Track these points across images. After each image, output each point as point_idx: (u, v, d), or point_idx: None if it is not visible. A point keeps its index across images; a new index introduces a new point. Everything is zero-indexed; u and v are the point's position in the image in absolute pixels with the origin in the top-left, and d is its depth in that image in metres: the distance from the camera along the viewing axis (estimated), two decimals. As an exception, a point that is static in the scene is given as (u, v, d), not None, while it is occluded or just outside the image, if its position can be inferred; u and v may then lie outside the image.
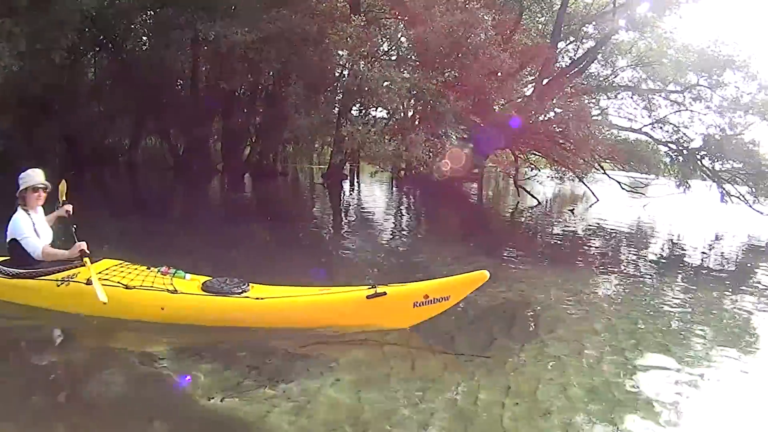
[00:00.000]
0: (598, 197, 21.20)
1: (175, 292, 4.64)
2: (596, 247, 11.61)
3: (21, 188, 5.11)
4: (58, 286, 4.80)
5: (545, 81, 16.25)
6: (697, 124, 18.55)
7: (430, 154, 11.47)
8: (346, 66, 11.42)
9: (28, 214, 5.04)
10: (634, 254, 11.21)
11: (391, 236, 10.39)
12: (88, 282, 4.58)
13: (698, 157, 18.53)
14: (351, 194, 15.99)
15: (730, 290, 7.63)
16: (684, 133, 18.73)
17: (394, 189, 16.68)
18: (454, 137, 12.84)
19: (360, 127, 11.18)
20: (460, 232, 11.48)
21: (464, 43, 12.05)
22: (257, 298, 4.70)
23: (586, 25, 18.03)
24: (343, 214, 12.42)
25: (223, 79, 16.00)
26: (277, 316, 4.77)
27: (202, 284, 4.83)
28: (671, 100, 18.67)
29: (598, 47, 17.03)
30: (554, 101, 14.86)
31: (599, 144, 15.54)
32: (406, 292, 4.77)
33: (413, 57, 13.76)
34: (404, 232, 11.02)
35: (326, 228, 10.90)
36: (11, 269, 4.99)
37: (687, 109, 18.51)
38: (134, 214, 8.48)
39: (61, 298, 4.77)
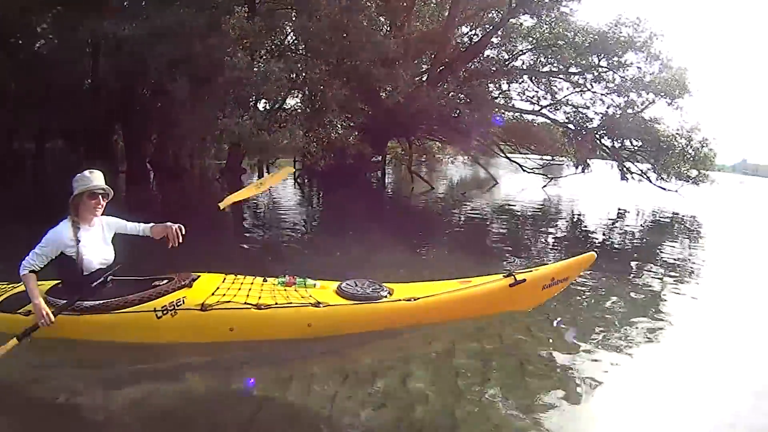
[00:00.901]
0: (498, 180, 21.83)
1: (318, 305, 4.36)
2: (479, 230, 11.67)
3: (75, 193, 4.19)
4: (159, 317, 4.15)
5: (441, 67, 16.45)
6: (598, 105, 18.99)
7: (314, 144, 11.63)
8: (231, 59, 11.31)
9: (77, 228, 4.16)
10: (531, 235, 11.57)
11: (281, 230, 10.26)
12: (204, 308, 4.17)
13: (597, 136, 19.06)
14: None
15: (632, 267, 8.11)
16: (584, 114, 19.20)
17: (297, 181, 16.71)
18: (338, 126, 12.90)
19: (240, 120, 11.15)
20: (352, 221, 11.64)
21: (348, 30, 12.17)
22: (408, 299, 4.63)
23: (484, 10, 18.04)
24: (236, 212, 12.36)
25: (118, 78, 15.84)
26: (430, 315, 4.73)
27: (336, 290, 4.63)
28: (572, 82, 19.03)
29: (495, 31, 17.19)
30: (446, 86, 15.12)
31: (493, 127, 15.86)
32: (540, 277, 5.01)
33: (300, 47, 13.87)
34: (295, 226, 10.91)
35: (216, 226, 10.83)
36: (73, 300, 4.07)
37: (588, 90, 18.89)
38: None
39: (163, 331, 4.17)
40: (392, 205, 15.39)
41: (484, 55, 18.51)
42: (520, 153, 23.40)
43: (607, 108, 18.75)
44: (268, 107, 15.23)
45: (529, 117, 20.37)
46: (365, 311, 4.52)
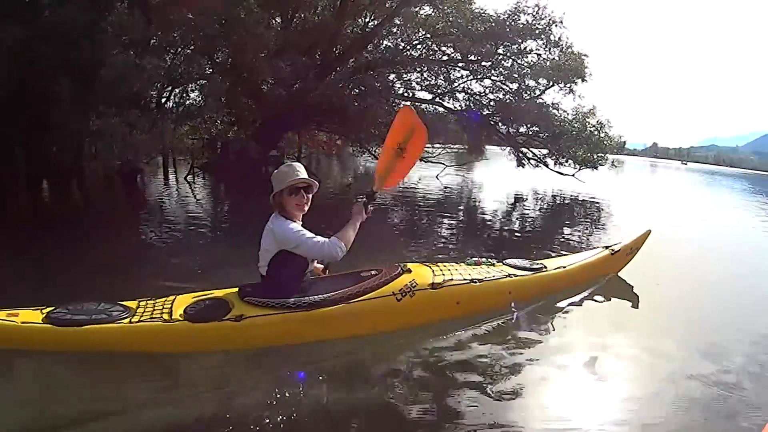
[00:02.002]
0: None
1: (510, 276, 5.55)
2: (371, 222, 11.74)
3: (275, 191, 4.35)
4: (399, 300, 4.71)
5: (332, 58, 16.29)
6: (495, 92, 19.08)
7: (192, 142, 11.27)
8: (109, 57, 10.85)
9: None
10: (428, 224, 11.72)
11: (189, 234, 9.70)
12: (434, 287, 4.90)
13: (493, 123, 19.26)
14: (146, 189, 15.46)
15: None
16: (480, 101, 19.29)
17: (186, 179, 16.25)
18: (218, 123, 12.60)
19: (114, 120, 10.65)
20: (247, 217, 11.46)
21: (230, 23, 11.91)
22: (557, 268, 6.10)
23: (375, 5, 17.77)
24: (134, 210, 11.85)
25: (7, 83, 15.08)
26: (567, 282, 6.18)
27: (504, 264, 5.88)
28: (470, 70, 18.98)
29: (388, 21, 17.00)
30: (335, 77, 14.98)
31: (379, 117, 15.81)
32: (628, 247, 7.04)
33: (180, 41, 13.47)
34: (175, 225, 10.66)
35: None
36: (285, 299, 4.32)
37: (486, 78, 18.93)
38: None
39: (405, 312, 4.74)
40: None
41: (382, 45, 18.42)
42: (433, 144, 23.57)
43: (504, 95, 18.86)
44: (153, 105, 14.74)
45: (428, 106, 20.25)
46: (544, 279, 5.90)
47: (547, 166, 20.23)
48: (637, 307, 6.25)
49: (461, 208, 15.34)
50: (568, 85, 18.24)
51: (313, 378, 3.98)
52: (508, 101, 18.56)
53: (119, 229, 9.12)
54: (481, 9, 17.54)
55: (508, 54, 18.18)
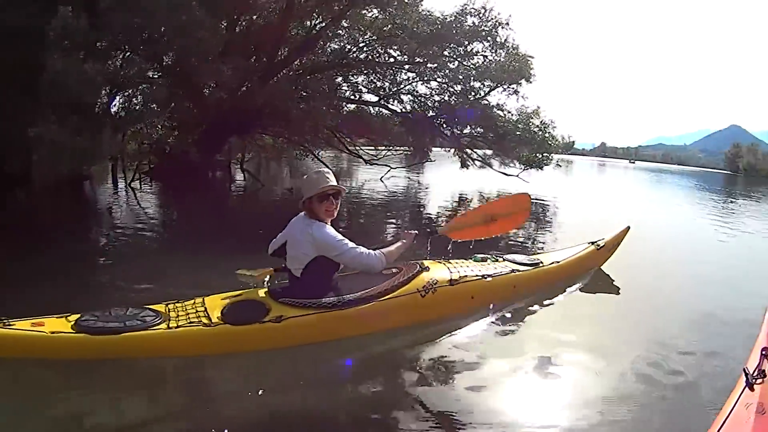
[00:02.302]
0: (336, 174, 22.27)
1: (514, 271, 6.20)
2: None
3: (306, 197, 4.70)
4: (423, 296, 5.24)
5: (276, 61, 16.39)
6: (440, 94, 19.41)
7: (138, 147, 11.26)
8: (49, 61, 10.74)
9: None
10: (374, 226, 12.05)
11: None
12: (452, 283, 5.48)
13: (437, 124, 19.52)
14: (94, 195, 15.27)
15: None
16: (425, 103, 19.62)
17: (130, 185, 16.10)
18: (159, 127, 12.60)
19: (54, 127, 10.55)
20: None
21: (170, 24, 11.90)
22: (552, 263, 6.80)
23: (327, 2, 17.34)
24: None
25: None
26: (561, 276, 6.93)
27: (506, 260, 6.50)
28: (415, 72, 19.28)
29: (333, 24, 17.14)
30: (279, 81, 15.10)
31: (326, 120, 15.95)
32: (610, 242, 7.90)
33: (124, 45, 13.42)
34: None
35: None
36: (320, 299, 4.66)
37: (432, 80, 19.26)
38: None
39: (428, 307, 5.24)
40: (235, 206, 15.17)
41: (329, 48, 18.56)
42: (377, 147, 23.87)
43: (449, 97, 19.10)
44: (98, 110, 14.60)
45: (373, 108, 20.58)
46: (535, 274, 6.48)
47: (491, 166, 20.67)
48: (618, 298, 7.04)
49: (406, 210, 15.57)
50: (513, 86, 18.57)
51: (353, 370, 4.44)
52: (453, 103, 18.81)
53: (64, 236, 9.06)
54: (428, 11, 17.76)
55: (454, 56, 18.44)
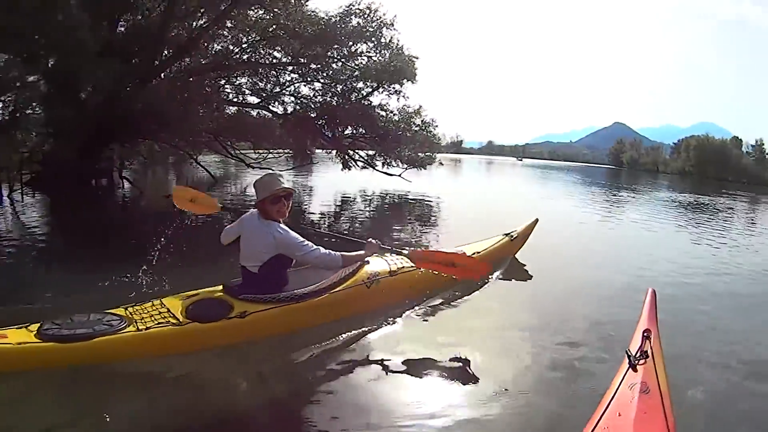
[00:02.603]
0: (216, 178, 22.28)
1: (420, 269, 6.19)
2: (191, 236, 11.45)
3: (259, 198, 5.11)
4: (368, 287, 5.86)
5: (157, 62, 16.24)
6: (323, 95, 19.77)
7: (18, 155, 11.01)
8: None
9: None
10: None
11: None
12: (392, 274, 6.19)
13: (318, 125, 19.77)
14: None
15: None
16: (308, 104, 19.84)
17: (24, 196, 15.46)
18: (33, 133, 12.34)
19: None
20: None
21: (47, 24, 11.73)
22: (474, 253, 7.42)
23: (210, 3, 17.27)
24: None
25: None
26: (487, 261, 7.33)
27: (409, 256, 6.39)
28: (298, 73, 19.61)
29: (214, 25, 17.02)
30: (159, 83, 15.00)
31: (201, 123, 15.83)
32: (522, 233, 9.10)
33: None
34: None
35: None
36: (277, 294, 5.11)
37: (316, 81, 19.67)
38: None
39: (373, 297, 5.84)
40: (121, 216, 14.84)
41: (212, 49, 18.42)
42: (257, 150, 23.84)
43: (332, 97, 19.52)
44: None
45: (255, 111, 20.86)
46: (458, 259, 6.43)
47: (374, 167, 21.01)
48: (527, 285, 8.10)
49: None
50: (394, 86, 19.13)
51: (312, 359, 4.90)
52: (335, 104, 19.25)
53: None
54: (313, 12, 17.99)
55: (338, 56, 18.85)
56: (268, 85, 19.90)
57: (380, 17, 18.52)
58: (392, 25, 18.75)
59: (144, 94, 14.62)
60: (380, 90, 19.42)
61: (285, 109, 19.94)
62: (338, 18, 18.28)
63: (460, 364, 4.99)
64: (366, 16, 18.44)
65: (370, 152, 21.20)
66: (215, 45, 18.48)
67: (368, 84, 19.34)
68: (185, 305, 4.82)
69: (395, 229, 12.60)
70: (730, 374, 5.11)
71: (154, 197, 17.26)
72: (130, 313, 4.67)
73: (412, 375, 4.68)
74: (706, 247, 13.53)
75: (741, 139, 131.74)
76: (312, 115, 19.40)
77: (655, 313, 4.18)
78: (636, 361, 3.51)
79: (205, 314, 4.73)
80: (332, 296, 5.46)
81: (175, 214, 6.89)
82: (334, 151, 21.25)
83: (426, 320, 6.03)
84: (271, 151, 23.70)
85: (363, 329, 5.50)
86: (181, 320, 4.61)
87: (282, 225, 5.10)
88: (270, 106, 20.08)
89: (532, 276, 8.41)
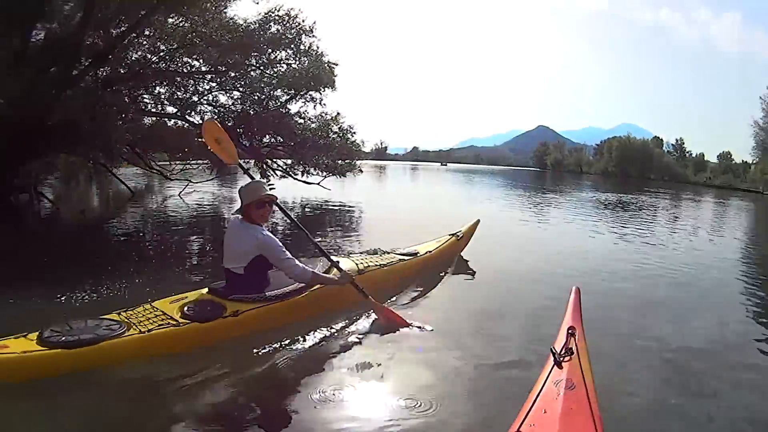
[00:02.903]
0: (134, 191, 22.16)
1: (401, 260, 8.23)
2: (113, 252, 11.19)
3: (244, 203, 5.64)
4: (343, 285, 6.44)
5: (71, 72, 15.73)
6: (242, 103, 19.77)
7: None
8: None
9: None
10: (177, 246, 12.15)
11: None
12: (361, 272, 7.07)
13: (236, 134, 18.96)
14: None
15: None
16: (225, 113, 19.66)
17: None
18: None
19: None
20: None
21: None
22: (426, 252, 8.84)
23: (128, 11, 16.47)
24: None
25: None
26: (434, 262, 9.00)
27: (394, 252, 8.47)
28: (217, 82, 19.53)
29: (135, 31, 16.68)
30: (73, 93, 14.92)
31: (115, 135, 15.50)
32: (466, 233, 10.31)
33: None
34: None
35: None
36: (262, 293, 5.76)
37: (234, 89, 19.62)
38: None
39: (346, 294, 6.40)
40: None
41: (129, 58, 18.04)
42: (173, 161, 23.40)
43: (250, 105, 19.58)
44: None
45: (173, 121, 20.44)
46: (417, 262, 8.59)
47: (293, 176, 21.12)
48: (474, 280, 9.04)
49: (209, 225, 15.45)
50: (312, 93, 19.48)
51: (304, 352, 5.53)
52: (253, 112, 19.30)
53: None
54: (231, 19, 17.95)
55: (257, 64, 18.92)
56: (186, 95, 19.63)
57: (299, 24, 18.68)
58: (311, 31, 18.94)
59: (59, 105, 14.34)
60: (298, 97, 19.63)
61: (203, 119, 19.27)
62: (257, 25, 18.30)
63: (392, 362, 5.29)
64: (285, 23, 18.53)
65: (289, 161, 21.40)
66: (133, 54, 18.18)
67: (286, 92, 19.48)
68: (179, 307, 5.32)
69: (316, 237, 12.85)
70: (653, 368, 5.40)
71: (71, 213, 17.10)
72: (126, 318, 5.04)
73: (351, 374, 5.01)
74: (629, 244, 14.32)
75: (662, 139, 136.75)
76: (229, 124, 19.02)
77: (580, 311, 4.41)
78: (561, 358, 3.68)
79: (202, 315, 5.26)
80: (312, 294, 6.16)
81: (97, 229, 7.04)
82: (252, 161, 20.75)
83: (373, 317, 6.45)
84: (189, 162, 23.25)
85: (339, 324, 6.21)
86: (179, 321, 5.10)
87: (264, 229, 5.66)
88: (188, 116, 19.76)
89: (468, 279, 9.23)
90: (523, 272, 9.94)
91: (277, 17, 18.52)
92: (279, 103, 19.65)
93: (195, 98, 19.62)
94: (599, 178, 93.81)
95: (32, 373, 4.28)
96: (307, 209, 19.42)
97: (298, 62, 19.22)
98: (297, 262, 5.76)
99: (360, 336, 5.95)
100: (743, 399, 4.79)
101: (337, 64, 19.88)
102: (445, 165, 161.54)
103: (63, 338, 4.49)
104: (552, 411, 3.23)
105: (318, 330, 5.91)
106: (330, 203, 20.87)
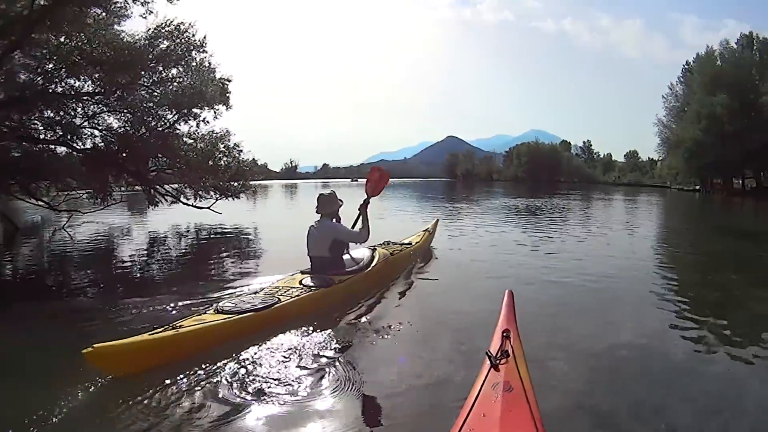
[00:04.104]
0: (19, 225, 20.35)
1: (409, 246, 11.31)
2: None
3: (330, 210, 8.48)
4: (411, 254, 10.88)
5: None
6: (126, 125, 18.53)
7: None
8: None
9: None
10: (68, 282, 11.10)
11: None
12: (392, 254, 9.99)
13: (121, 159, 18.41)
14: None
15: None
16: (110, 137, 18.43)
17: None
18: None
19: None
20: None
21: None
22: (416, 242, 11.86)
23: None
24: None
25: None
26: (424, 247, 12.29)
27: (402, 244, 11.28)
28: (102, 104, 18.14)
29: (12, 52, 15.42)
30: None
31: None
32: (432, 227, 13.80)
33: None
34: None
35: None
36: (343, 270, 8.26)
37: (120, 111, 18.26)
38: None
39: (389, 269, 9.63)
40: None
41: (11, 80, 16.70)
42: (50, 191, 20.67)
43: (136, 128, 18.44)
44: None
45: (56, 147, 18.48)
46: (416, 248, 11.59)
47: (181, 201, 20.18)
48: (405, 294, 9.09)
49: (101, 259, 14.13)
50: (200, 111, 18.85)
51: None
52: (138, 135, 18.18)
53: None
54: (117, 35, 17.03)
55: (146, 83, 17.96)
56: (72, 118, 18.06)
57: (188, 39, 18.05)
58: (202, 46, 18.40)
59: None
60: (189, 117, 18.86)
61: (84, 144, 18.36)
62: (146, 42, 17.47)
63: (336, 364, 5.50)
64: (175, 38, 17.79)
65: (177, 185, 20.42)
66: (13, 76, 16.86)
67: (175, 112, 18.53)
68: (299, 282, 7.49)
69: (210, 265, 12.63)
70: (588, 366, 5.60)
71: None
72: (270, 291, 7.20)
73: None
74: (546, 247, 14.83)
75: (569, 142, 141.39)
76: (114, 148, 18.19)
77: (514, 313, 4.39)
78: (497, 361, 3.66)
79: (322, 284, 7.48)
80: (375, 269, 8.84)
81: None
82: (140, 187, 20.15)
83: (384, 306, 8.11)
84: (71, 192, 21.32)
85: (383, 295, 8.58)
86: (309, 289, 7.29)
87: (335, 221, 8.44)
88: (70, 142, 18.14)
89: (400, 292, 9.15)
90: (451, 281, 10.16)
91: (166, 32, 17.73)
92: (168, 124, 18.72)
93: (78, 121, 18.14)
94: (510, 185, 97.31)
95: (220, 337, 5.74)
96: (201, 236, 18.65)
97: (189, 79, 18.43)
98: (355, 230, 8.63)
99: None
100: (667, 392, 4.98)
101: (230, 80, 19.69)
102: (356, 180, 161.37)
103: (242, 306, 6.29)
104: (491, 414, 3.22)
105: (384, 294, 8.64)
106: (226, 227, 20.06)
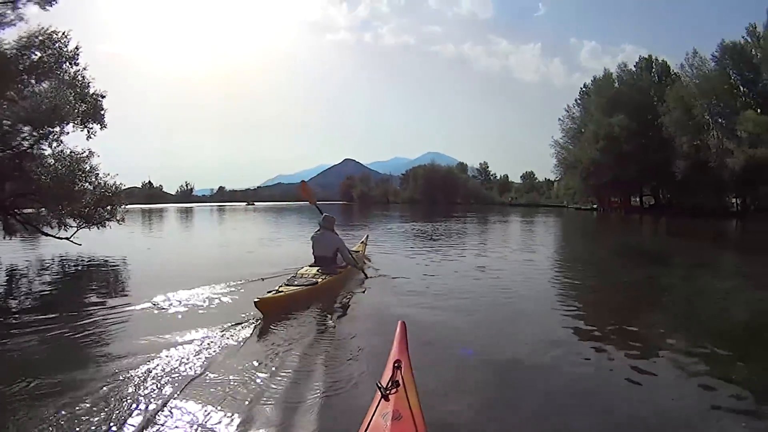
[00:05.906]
0: None
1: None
2: None
3: (333, 226, 11.93)
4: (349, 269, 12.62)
5: None
6: None
7: None
8: None
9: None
10: None
11: None
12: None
13: None
14: None
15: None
16: None
17: None
18: None
19: None
20: None
21: None
22: (358, 251, 15.21)
23: None
24: None
25: None
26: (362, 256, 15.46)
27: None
28: None
29: None
30: None
31: None
32: (365, 241, 17.13)
33: None
34: None
35: None
36: (332, 267, 11.46)
37: None
38: None
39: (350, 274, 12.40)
40: None
41: None
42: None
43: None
44: None
45: None
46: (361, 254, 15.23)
47: (40, 230, 17.92)
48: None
49: None
50: (60, 130, 16.94)
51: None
52: None
53: None
54: None
55: (9, 97, 16.22)
56: None
57: (59, 49, 16.94)
58: (74, 58, 17.29)
59: None
60: (49, 136, 16.87)
61: None
62: (16, 52, 16.32)
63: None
64: (46, 48, 16.67)
65: (37, 211, 17.99)
66: None
67: (39, 130, 16.49)
68: (317, 271, 10.94)
69: (76, 299, 11.20)
70: (478, 392, 5.70)
71: None
72: (303, 274, 10.74)
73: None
74: (444, 271, 14.70)
75: (466, 164, 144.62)
76: None
77: (406, 344, 4.58)
78: (387, 392, 3.69)
79: (333, 273, 10.97)
80: (349, 269, 12.02)
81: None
82: None
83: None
84: None
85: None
86: (326, 275, 10.75)
87: (337, 235, 11.74)
88: None
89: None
90: (344, 310, 9.79)
91: (38, 41, 16.64)
92: (28, 144, 16.72)
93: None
94: (406, 207, 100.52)
95: (296, 304, 9.23)
96: (66, 269, 16.12)
97: (58, 93, 16.43)
98: (352, 255, 12.00)
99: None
100: (562, 413, 5.24)
101: (104, 96, 18.30)
102: (252, 204, 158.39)
103: (303, 282, 9.99)
104: None
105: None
106: (97, 257, 17.93)
